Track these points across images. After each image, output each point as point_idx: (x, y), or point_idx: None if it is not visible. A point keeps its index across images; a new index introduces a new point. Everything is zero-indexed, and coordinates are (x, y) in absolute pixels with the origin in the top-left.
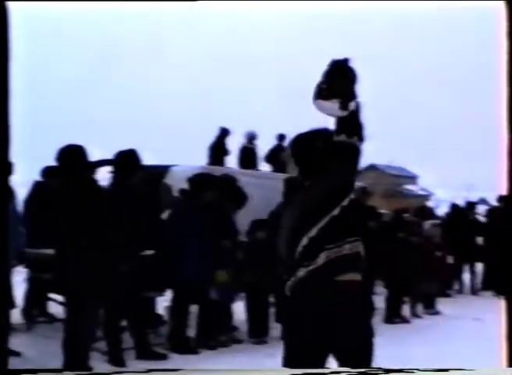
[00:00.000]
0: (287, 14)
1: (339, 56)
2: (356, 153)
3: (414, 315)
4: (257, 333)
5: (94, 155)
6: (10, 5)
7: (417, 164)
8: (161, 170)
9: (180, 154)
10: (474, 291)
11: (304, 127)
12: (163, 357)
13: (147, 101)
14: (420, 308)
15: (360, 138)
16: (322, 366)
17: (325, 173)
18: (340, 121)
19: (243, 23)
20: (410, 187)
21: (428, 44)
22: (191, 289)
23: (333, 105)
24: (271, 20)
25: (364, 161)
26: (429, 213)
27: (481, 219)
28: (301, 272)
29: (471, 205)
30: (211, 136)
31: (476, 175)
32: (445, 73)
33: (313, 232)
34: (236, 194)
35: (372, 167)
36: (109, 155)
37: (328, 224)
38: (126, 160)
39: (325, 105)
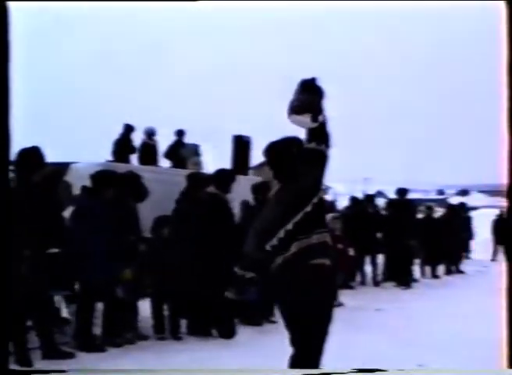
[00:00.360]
0: (287, 14)
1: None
2: (324, 158)
3: None
4: (162, 330)
5: None
6: (10, 5)
7: None
8: (62, 167)
9: None
10: (375, 283)
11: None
12: (70, 356)
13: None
14: None
15: (327, 146)
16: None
17: (298, 176)
18: (311, 131)
19: (242, 23)
20: None
21: (428, 44)
22: (96, 287)
23: (305, 118)
24: (270, 20)
25: (261, 156)
26: (329, 206)
27: (380, 211)
28: (279, 259)
29: (369, 198)
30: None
31: (372, 169)
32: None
33: (289, 226)
34: (138, 190)
35: None
36: None
37: (302, 219)
38: (27, 158)
39: (298, 118)
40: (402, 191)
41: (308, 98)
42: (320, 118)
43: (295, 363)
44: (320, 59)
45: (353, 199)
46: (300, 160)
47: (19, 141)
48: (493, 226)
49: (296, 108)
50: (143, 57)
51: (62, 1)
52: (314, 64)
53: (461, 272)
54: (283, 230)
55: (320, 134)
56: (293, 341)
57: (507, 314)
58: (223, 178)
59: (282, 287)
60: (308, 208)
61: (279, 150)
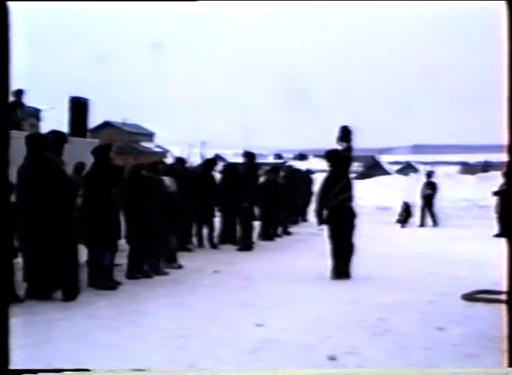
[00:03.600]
0: (287, 13)
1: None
2: (351, 159)
3: (156, 270)
4: None
5: None
6: (10, 5)
7: (152, 122)
8: None
9: None
10: (212, 245)
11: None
12: None
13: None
14: (162, 262)
15: (352, 153)
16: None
17: (341, 166)
18: (346, 148)
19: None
20: (146, 144)
21: (428, 44)
22: None
23: (344, 143)
24: (269, 20)
25: (99, 119)
26: (168, 169)
27: (217, 175)
28: (332, 203)
29: (210, 162)
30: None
31: (209, 132)
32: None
33: (337, 188)
34: None
35: (108, 124)
36: None
37: (342, 185)
38: None
39: (342, 143)
40: (250, 155)
41: (347, 135)
42: (350, 143)
43: (346, 253)
44: None
45: (206, 161)
46: (341, 159)
47: None
48: None
49: (340, 139)
50: None
51: (63, 1)
52: None
53: (289, 233)
54: (334, 190)
55: (350, 149)
56: (342, 244)
57: (507, 311)
58: (55, 140)
59: (337, 215)
60: (344, 181)
61: (336, 154)
